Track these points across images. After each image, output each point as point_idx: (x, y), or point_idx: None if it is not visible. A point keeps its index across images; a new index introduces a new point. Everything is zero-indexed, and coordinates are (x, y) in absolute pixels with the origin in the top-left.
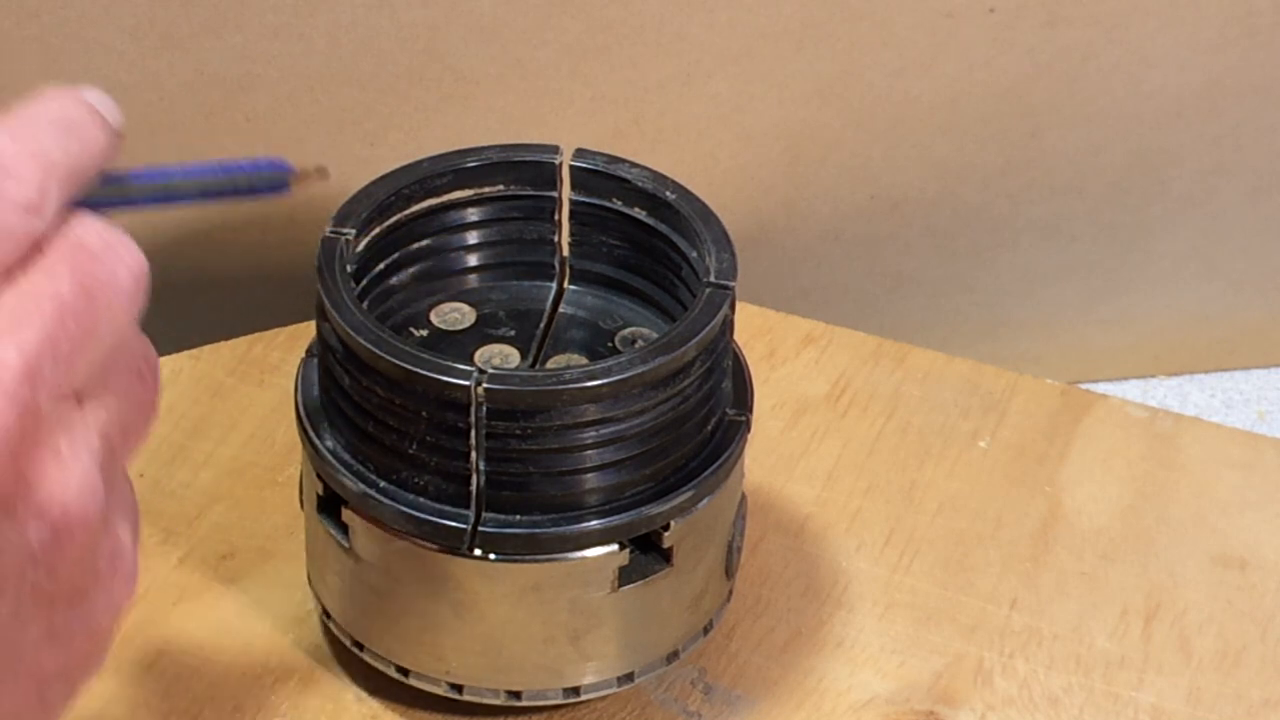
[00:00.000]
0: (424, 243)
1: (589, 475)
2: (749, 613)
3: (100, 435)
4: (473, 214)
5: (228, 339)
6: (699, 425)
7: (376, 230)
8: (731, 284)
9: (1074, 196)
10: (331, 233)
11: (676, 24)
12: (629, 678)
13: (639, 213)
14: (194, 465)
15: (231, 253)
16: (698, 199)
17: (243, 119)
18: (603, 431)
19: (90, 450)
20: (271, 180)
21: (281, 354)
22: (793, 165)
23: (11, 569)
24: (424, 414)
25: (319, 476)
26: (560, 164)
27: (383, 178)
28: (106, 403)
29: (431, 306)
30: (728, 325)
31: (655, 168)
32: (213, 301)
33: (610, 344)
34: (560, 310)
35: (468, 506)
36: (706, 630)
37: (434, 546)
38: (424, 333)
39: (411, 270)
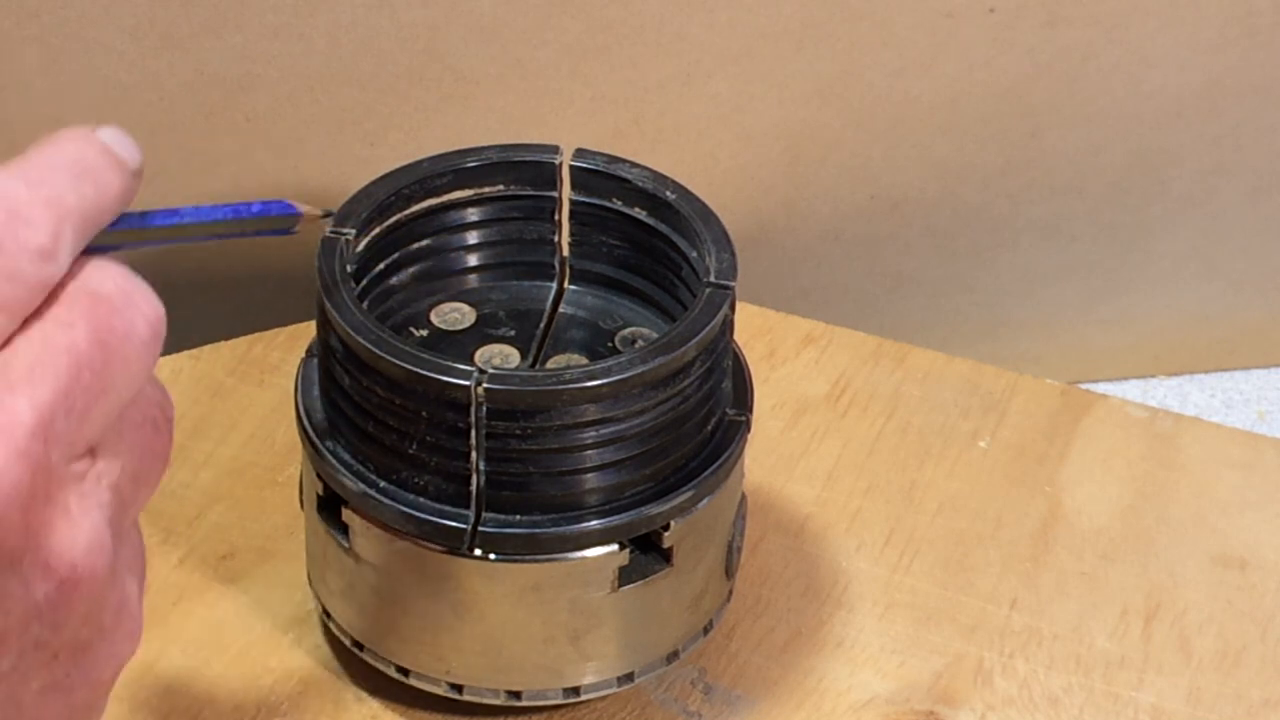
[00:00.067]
0: (424, 243)
1: (589, 475)
2: (749, 613)
3: (111, 489)
4: (473, 214)
5: (228, 339)
6: (699, 425)
7: (376, 230)
8: (731, 284)
9: (1074, 196)
10: (331, 233)
11: (676, 24)
12: (629, 678)
13: (639, 213)
14: (194, 465)
15: (231, 253)
16: (698, 199)
17: (243, 119)
18: (603, 431)
19: (100, 506)
20: (278, 224)
21: (281, 354)
22: (793, 165)
23: (17, 623)
24: (424, 414)
25: (319, 476)
26: (560, 164)
27: (383, 178)
28: (119, 455)
29: (431, 306)
30: (728, 325)
31: (655, 168)
32: (213, 301)
33: (610, 344)
34: (560, 310)
35: (468, 506)
36: (706, 630)
37: (434, 546)
38: (424, 333)
39: (411, 270)
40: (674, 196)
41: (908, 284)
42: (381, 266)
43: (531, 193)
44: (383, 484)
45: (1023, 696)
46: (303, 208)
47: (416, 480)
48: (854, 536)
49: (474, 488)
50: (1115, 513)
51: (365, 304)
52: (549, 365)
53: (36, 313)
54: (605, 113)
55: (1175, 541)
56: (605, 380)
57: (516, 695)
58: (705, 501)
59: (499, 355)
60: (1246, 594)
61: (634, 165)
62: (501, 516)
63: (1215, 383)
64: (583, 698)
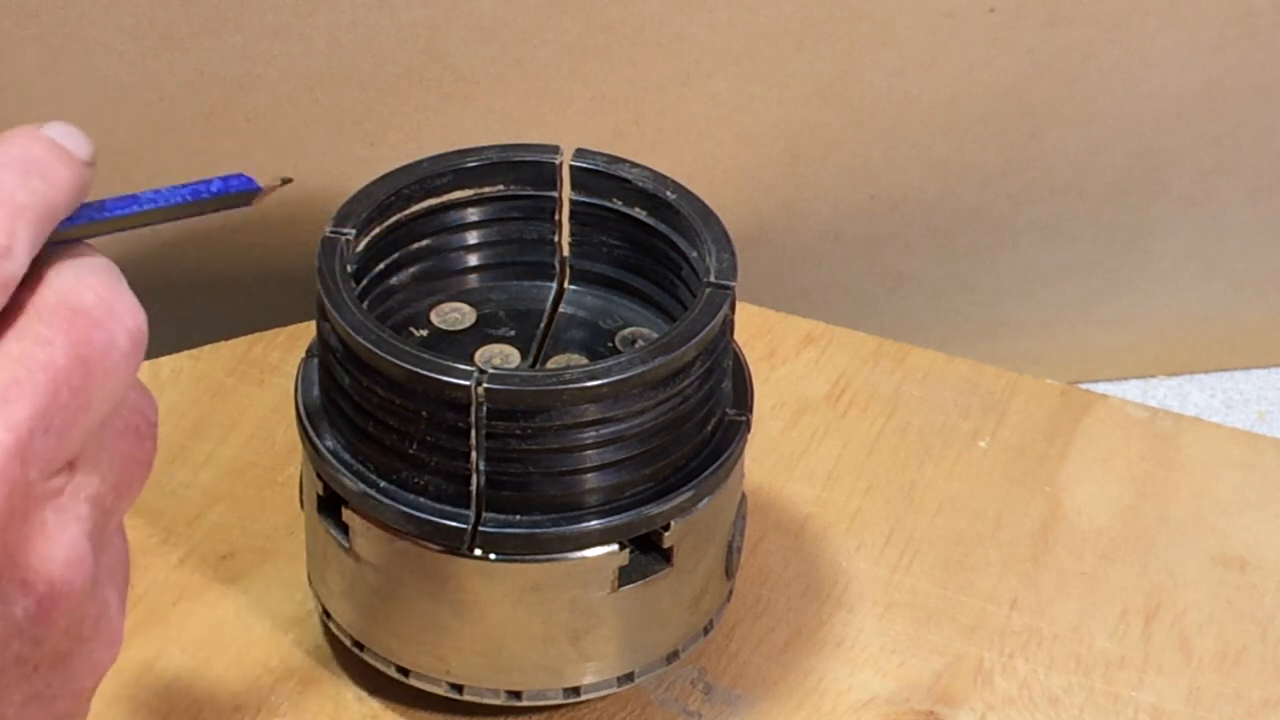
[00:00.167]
0: (424, 243)
1: (589, 475)
2: (749, 613)
3: (90, 501)
4: (473, 214)
5: (228, 339)
6: (699, 425)
7: (376, 230)
8: (731, 284)
9: (1074, 196)
10: (331, 233)
11: (676, 24)
12: (629, 678)
13: (639, 213)
14: (194, 465)
15: (231, 253)
16: (698, 199)
17: (243, 119)
18: (603, 431)
19: (79, 520)
20: (239, 200)
21: (281, 354)
22: (793, 165)
23: None
24: (424, 414)
25: (319, 476)
26: (560, 164)
27: (383, 178)
28: (100, 466)
29: (431, 306)
30: (728, 325)
31: (655, 168)
32: (213, 301)
33: (610, 344)
34: (560, 310)
35: (468, 506)
36: (706, 630)
37: (434, 546)
38: (424, 333)
39: (411, 270)
40: (674, 196)
41: (908, 284)
42: (381, 266)
43: (532, 193)
44: (383, 484)
45: (1023, 696)
46: (261, 181)
47: (416, 480)
48: (854, 536)
49: (474, 488)
50: (1115, 513)
51: (365, 304)
52: (549, 365)
53: (13, 326)
54: (605, 113)
55: (1175, 541)
56: (605, 380)
57: (516, 695)
58: (705, 501)
59: (499, 355)
60: (1246, 594)
61: (634, 165)
62: (501, 516)
63: (1215, 383)
64: (583, 698)
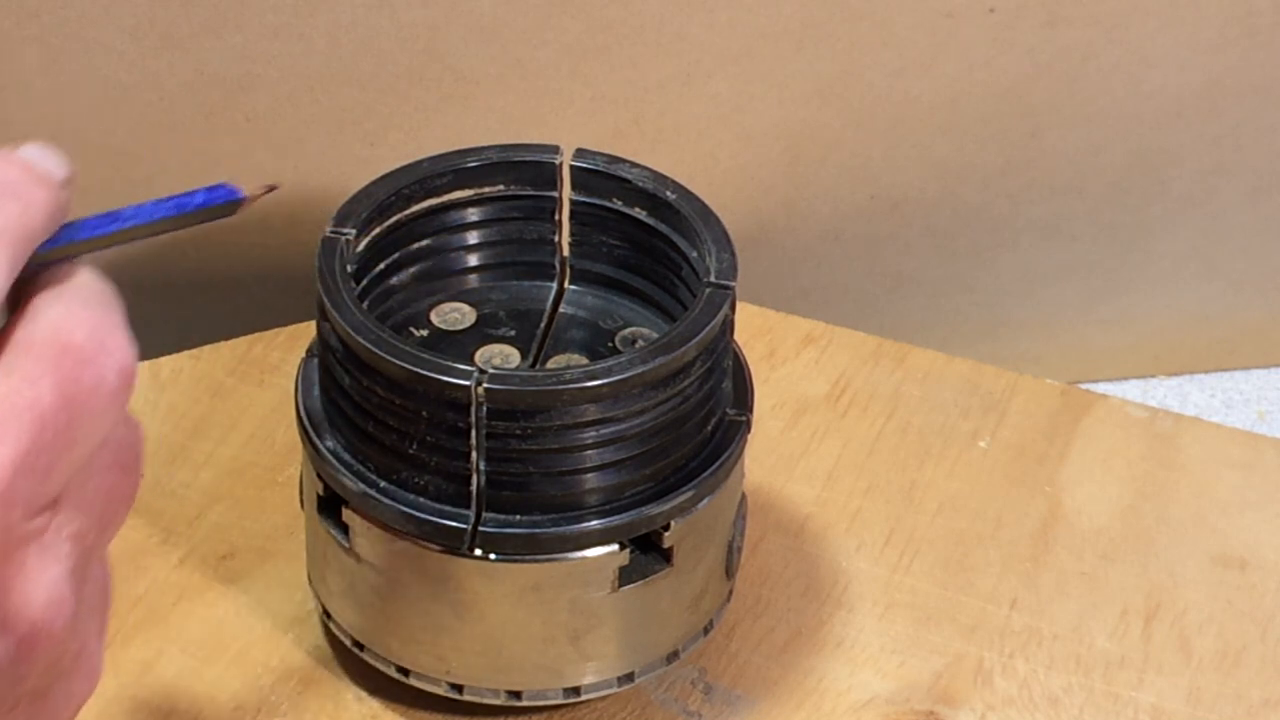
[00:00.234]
0: (424, 243)
1: (589, 475)
2: (749, 613)
3: (73, 539)
4: (473, 214)
5: (228, 339)
6: (699, 425)
7: (377, 230)
8: (731, 284)
9: (1074, 196)
10: (331, 233)
11: (676, 24)
12: (629, 678)
13: (639, 213)
14: (194, 465)
15: (231, 253)
16: (698, 199)
17: (243, 119)
18: (603, 431)
19: (61, 560)
20: (223, 210)
21: (281, 354)
22: (793, 165)
23: None
24: (424, 414)
25: (319, 476)
26: (560, 164)
27: (383, 178)
28: (84, 504)
29: (432, 306)
30: (728, 325)
31: (655, 168)
32: (213, 301)
33: (610, 344)
34: (560, 310)
35: (468, 506)
36: (706, 630)
37: (434, 546)
38: (424, 333)
39: (412, 270)
40: (674, 196)
41: (908, 284)
42: (382, 266)
43: (532, 193)
44: (383, 484)
45: (1023, 696)
46: (245, 190)
47: (417, 480)
48: (854, 536)
49: (474, 488)
50: (1115, 513)
51: (365, 304)
52: (549, 365)
53: (0, 362)
54: (605, 113)
55: (1175, 541)
56: (605, 380)
57: (516, 695)
58: (705, 501)
59: (499, 355)
60: (1246, 594)
61: (634, 165)
62: (501, 516)
63: (1215, 383)
64: (583, 698)
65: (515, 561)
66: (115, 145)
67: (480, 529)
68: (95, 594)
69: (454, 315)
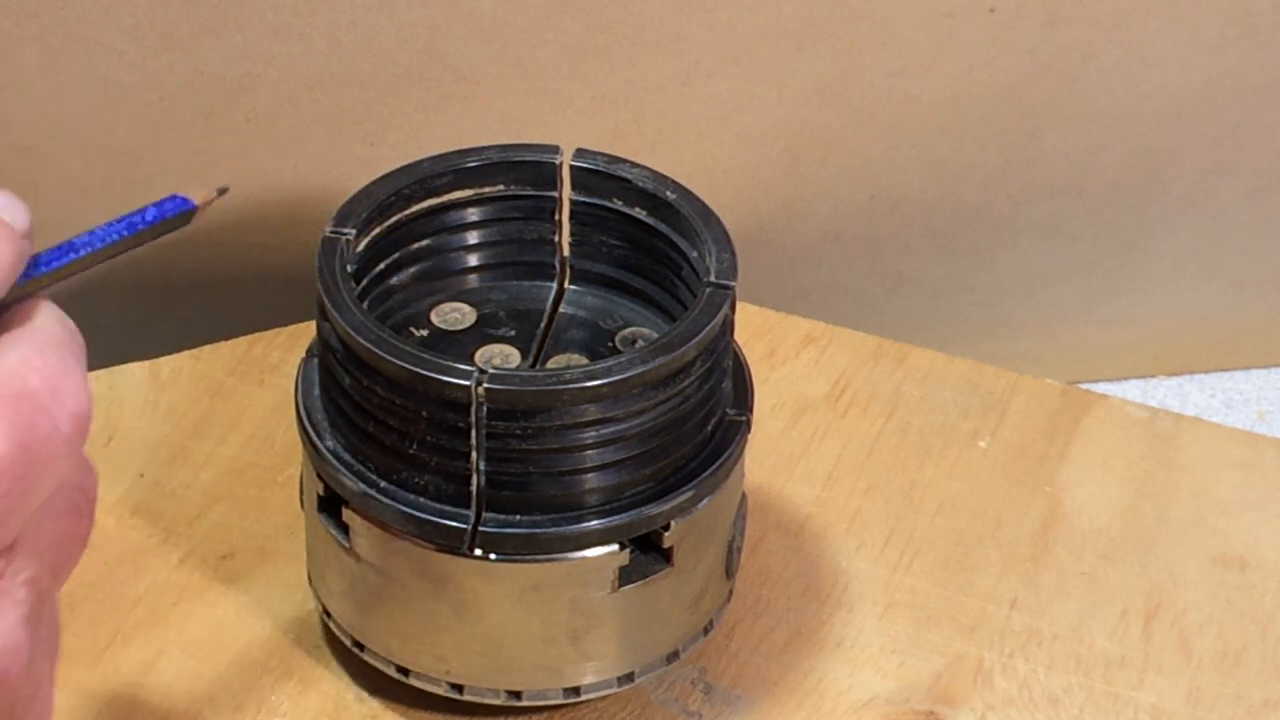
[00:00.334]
0: (424, 243)
1: (589, 475)
2: (749, 613)
3: (29, 585)
4: (473, 214)
5: (228, 339)
6: (699, 425)
7: (377, 230)
8: (731, 284)
9: (1074, 196)
10: (331, 233)
11: (676, 24)
12: (629, 678)
13: (639, 213)
14: (194, 465)
15: (231, 253)
16: (698, 199)
17: (243, 119)
18: (603, 431)
19: (16, 605)
20: (177, 222)
21: (281, 354)
22: (793, 165)
23: None
24: (424, 414)
25: (319, 476)
26: (560, 164)
27: (383, 178)
28: (39, 549)
29: (432, 306)
30: (728, 325)
31: (655, 168)
32: (213, 301)
33: (610, 344)
34: (560, 310)
35: (468, 506)
36: (706, 630)
37: (434, 546)
38: (424, 333)
39: (412, 270)
40: (674, 196)
41: (908, 284)
42: (381, 266)
43: (532, 193)
44: (383, 484)
45: (1023, 696)
46: (197, 198)
47: (416, 480)
48: (854, 536)
49: (474, 488)
50: (1115, 513)
51: (365, 304)
52: (549, 365)
53: None
54: (605, 113)
55: (1175, 541)
56: (605, 380)
57: (517, 695)
58: (705, 501)
59: (499, 355)
60: (1246, 594)
61: (634, 165)
62: (501, 516)
63: (1215, 383)
64: (583, 698)
65: (515, 561)
66: (115, 145)
67: (480, 529)
68: (47, 636)
69: (454, 315)
